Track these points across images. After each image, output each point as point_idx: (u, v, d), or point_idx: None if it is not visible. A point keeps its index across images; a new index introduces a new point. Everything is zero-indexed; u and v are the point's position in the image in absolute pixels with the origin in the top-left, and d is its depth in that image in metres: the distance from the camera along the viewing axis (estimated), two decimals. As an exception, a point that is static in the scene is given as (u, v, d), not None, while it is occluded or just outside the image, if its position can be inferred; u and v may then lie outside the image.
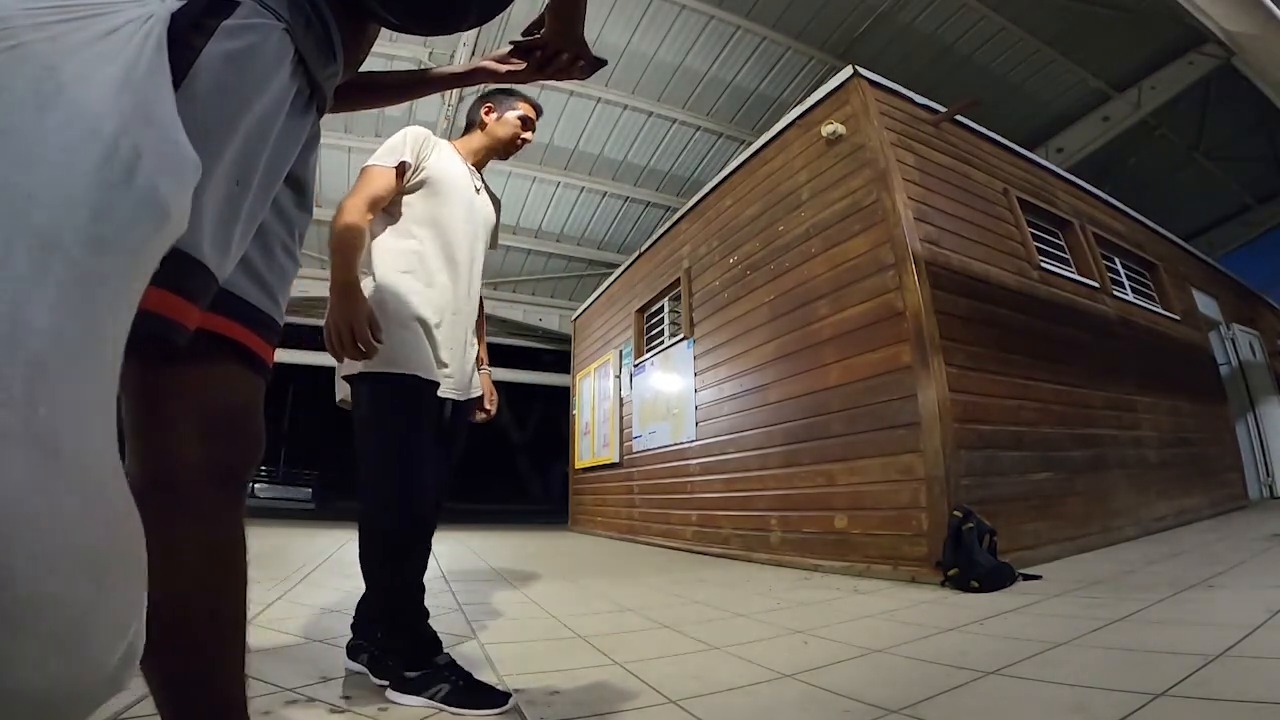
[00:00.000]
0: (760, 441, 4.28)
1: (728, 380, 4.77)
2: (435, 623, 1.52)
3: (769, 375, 4.28)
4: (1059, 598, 2.34)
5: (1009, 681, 1.41)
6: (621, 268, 7.39)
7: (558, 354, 9.83)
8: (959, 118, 4.25)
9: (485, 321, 1.90)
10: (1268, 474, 6.56)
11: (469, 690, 1.34)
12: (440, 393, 1.55)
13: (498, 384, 1.95)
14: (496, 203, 1.85)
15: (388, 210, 1.58)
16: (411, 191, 1.59)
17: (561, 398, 9.29)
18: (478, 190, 1.73)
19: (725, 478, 4.64)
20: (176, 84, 0.55)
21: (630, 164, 7.83)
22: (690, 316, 5.44)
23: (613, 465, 6.82)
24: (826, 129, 3.94)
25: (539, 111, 1.82)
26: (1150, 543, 3.70)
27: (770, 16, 6.11)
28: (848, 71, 3.96)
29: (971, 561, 2.67)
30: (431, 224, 1.59)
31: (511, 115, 1.77)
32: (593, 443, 7.48)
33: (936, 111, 4.13)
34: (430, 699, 1.34)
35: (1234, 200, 9.43)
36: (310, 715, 1.27)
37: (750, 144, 5.08)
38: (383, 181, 1.52)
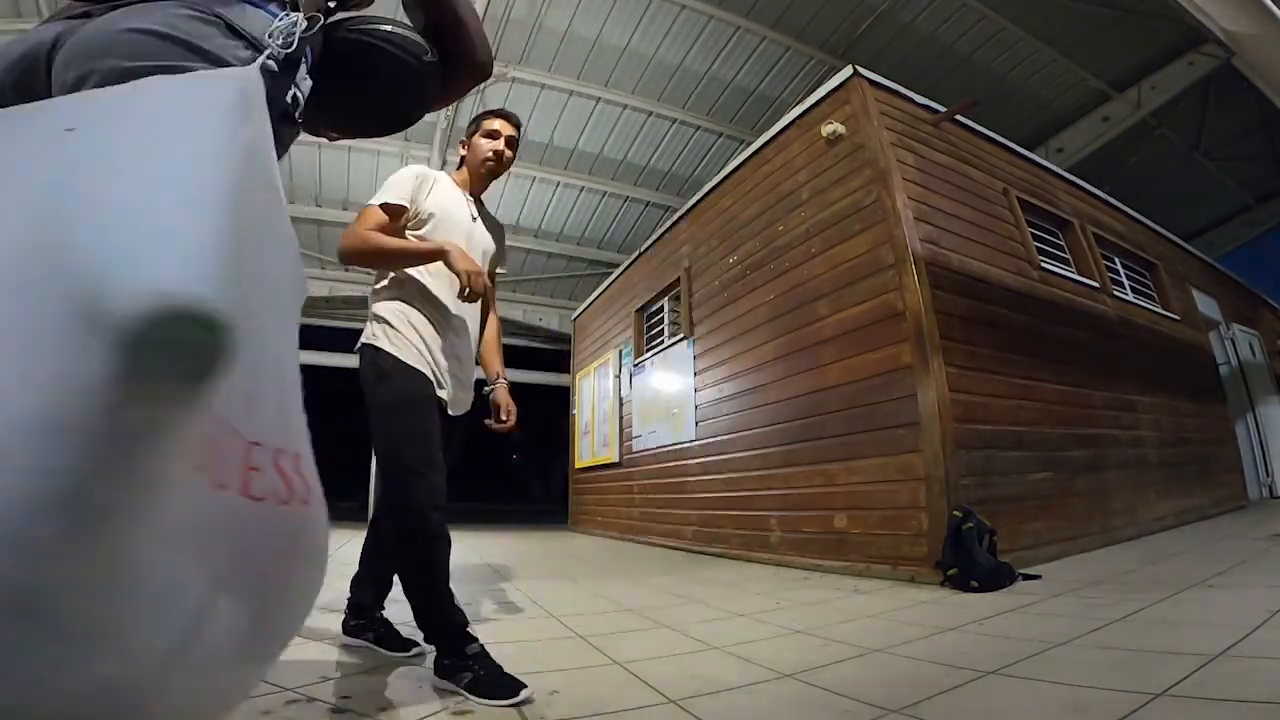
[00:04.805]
0: (760, 441, 4.28)
1: (727, 380, 4.77)
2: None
3: (769, 375, 4.28)
4: (1059, 598, 2.34)
5: (1008, 681, 1.41)
6: (621, 268, 7.38)
7: (558, 354, 9.81)
8: (959, 118, 4.25)
9: (500, 338, 2.03)
10: (1268, 474, 6.55)
11: (488, 680, 1.42)
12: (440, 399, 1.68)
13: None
14: (499, 228, 1.92)
15: None
16: (419, 227, 1.69)
17: (561, 397, 9.28)
18: (474, 219, 1.80)
19: (725, 477, 4.63)
20: None
21: (630, 164, 7.82)
22: (690, 316, 5.44)
23: (613, 465, 6.82)
24: (826, 129, 3.94)
25: (510, 119, 1.85)
26: (1150, 543, 3.70)
27: (770, 16, 6.10)
28: (848, 71, 3.95)
29: (971, 561, 2.67)
30: None
31: (479, 139, 1.84)
32: (593, 442, 7.48)
33: (936, 111, 4.13)
34: (458, 685, 1.43)
35: (1234, 200, 9.42)
36: (310, 715, 1.27)
37: (750, 144, 5.08)
38: (374, 220, 1.63)
